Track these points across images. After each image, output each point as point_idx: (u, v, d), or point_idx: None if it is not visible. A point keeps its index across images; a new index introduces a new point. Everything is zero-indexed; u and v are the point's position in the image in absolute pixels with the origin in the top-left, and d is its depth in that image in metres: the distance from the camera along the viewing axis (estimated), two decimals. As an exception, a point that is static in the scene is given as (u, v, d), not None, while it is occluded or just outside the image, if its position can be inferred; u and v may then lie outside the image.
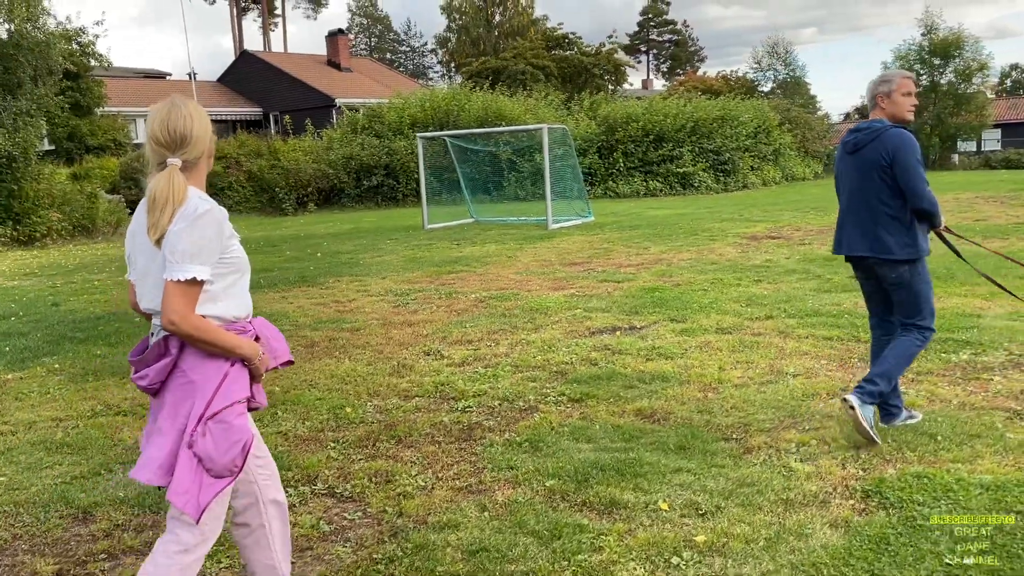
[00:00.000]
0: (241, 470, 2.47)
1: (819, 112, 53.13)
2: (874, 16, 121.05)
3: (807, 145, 38.01)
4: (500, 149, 27.84)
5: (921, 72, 39.30)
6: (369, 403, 5.39)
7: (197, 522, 2.42)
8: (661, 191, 29.54)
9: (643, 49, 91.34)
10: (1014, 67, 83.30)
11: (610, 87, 43.87)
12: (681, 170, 30.05)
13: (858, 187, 4.20)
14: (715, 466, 4.03)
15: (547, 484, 3.91)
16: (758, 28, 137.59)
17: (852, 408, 4.05)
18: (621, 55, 49.59)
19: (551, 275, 10.59)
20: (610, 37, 48.46)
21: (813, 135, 38.37)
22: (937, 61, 39.54)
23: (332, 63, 43.99)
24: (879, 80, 4.24)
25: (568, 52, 44.92)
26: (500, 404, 5.23)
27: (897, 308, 4.29)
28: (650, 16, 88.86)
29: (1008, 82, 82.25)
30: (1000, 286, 4.98)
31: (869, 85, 4.27)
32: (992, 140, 55.54)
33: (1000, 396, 4.87)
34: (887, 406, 4.38)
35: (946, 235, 4.42)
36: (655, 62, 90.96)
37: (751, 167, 33.09)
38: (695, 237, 13.99)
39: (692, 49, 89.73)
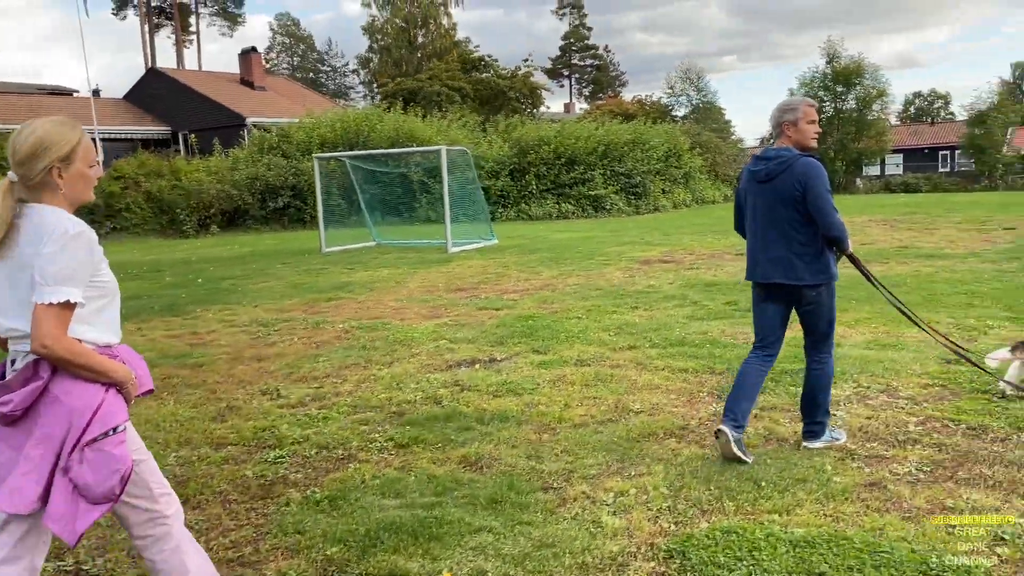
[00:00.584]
0: (119, 498, 2.41)
1: (733, 137, 54.64)
2: (790, 46, 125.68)
3: (717, 169, 38.80)
4: (411, 171, 27.46)
5: (825, 99, 40.69)
6: (174, 454, 4.87)
7: (73, 547, 2.50)
8: (573, 214, 29.58)
9: (565, 73, 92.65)
10: (917, 95, 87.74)
11: (528, 110, 43.95)
12: (593, 193, 30.18)
13: (771, 216, 4.25)
14: (521, 523, 3.68)
15: (328, 552, 3.49)
16: (681, 55, 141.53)
17: (812, 447, 4.43)
18: (539, 78, 49.88)
19: (432, 302, 10.20)
20: (526, 60, 48.76)
21: (723, 159, 39.20)
22: (840, 88, 41.00)
23: (245, 81, 42.85)
24: (783, 108, 4.28)
25: (484, 74, 44.90)
26: (316, 453, 4.79)
27: (809, 333, 4.43)
28: (572, 41, 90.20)
29: (912, 109, 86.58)
30: (910, 315, 4.78)
31: (773, 112, 4.30)
32: (894, 165, 58.16)
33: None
34: (812, 425, 4.52)
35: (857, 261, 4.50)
36: (577, 86, 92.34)
37: (662, 190, 33.52)
38: (590, 261, 13.83)
39: (614, 74, 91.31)
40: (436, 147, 18.63)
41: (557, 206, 29.66)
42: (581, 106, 75.45)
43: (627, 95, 63.97)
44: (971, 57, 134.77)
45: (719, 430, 4.26)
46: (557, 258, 14.59)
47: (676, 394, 5.67)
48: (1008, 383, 5.03)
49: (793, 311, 4.42)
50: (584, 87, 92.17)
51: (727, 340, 7.22)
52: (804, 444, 4.49)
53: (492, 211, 29.01)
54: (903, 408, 5.08)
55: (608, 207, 30.27)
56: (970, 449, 4.37)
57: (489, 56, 47.31)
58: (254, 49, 45.00)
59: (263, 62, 46.71)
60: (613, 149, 31.40)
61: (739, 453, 4.21)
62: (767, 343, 4.49)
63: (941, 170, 51.65)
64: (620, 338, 7.51)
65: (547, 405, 5.52)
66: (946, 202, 28.24)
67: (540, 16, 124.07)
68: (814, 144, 4.26)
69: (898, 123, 73.71)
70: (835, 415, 4.95)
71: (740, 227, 4.60)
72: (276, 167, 28.12)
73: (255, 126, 34.62)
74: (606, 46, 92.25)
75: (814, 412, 4.46)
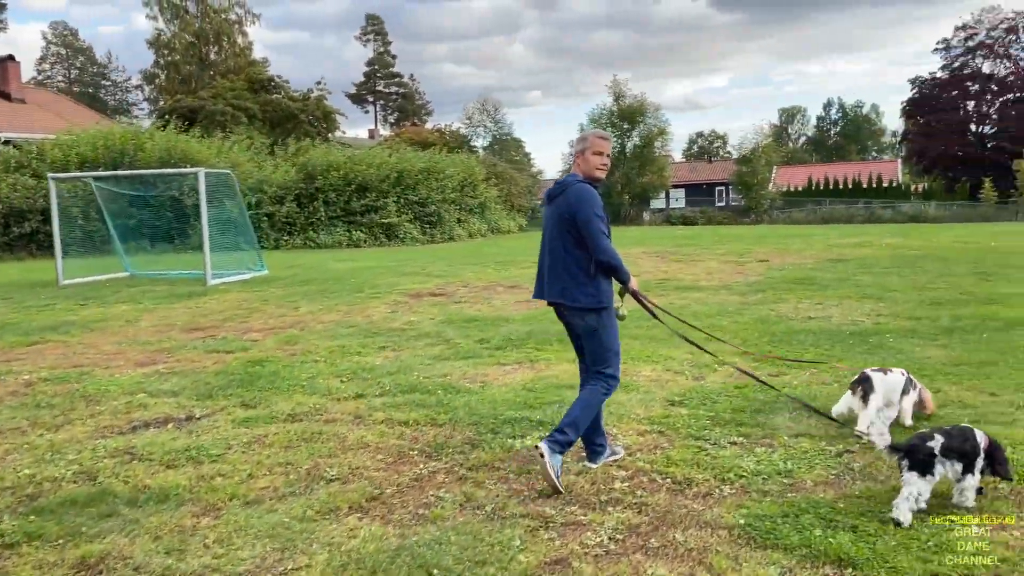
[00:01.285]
0: None
1: (532, 168, 56.15)
2: (592, 84, 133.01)
3: (512, 200, 39.49)
4: (185, 194, 25.31)
5: (615, 135, 42.75)
6: None
7: None
8: (365, 242, 28.68)
9: (370, 99, 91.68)
10: (699, 135, 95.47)
11: (321, 134, 42.55)
12: (385, 221, 29.46)
13: (552, 237, 4.48)
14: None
15: None
16: (490, 88, 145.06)
17: (542, 455, 4.22)
18: (337, 102, 48.73)
19: (156, 345, 8.94)
20: (319, 84, 47.41)
21: (518, 190, 39.97)
22: (626, 126, 43.31)
23: (2, 93, 38.16)
24: (578, 138, 4.59)
25: (275, 95, 42.99)
26: None
27: (587, 355, 4.57)
28: (376, 68, 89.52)
29: (695, 148, 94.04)
30: (699, 346, 5.37)
31: (574, 141, 4.70)
32: (676, 199, 62.53)
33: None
34: (593, 445, 4.64)
35: (641, 298, 4.74)
36: (383, 112, 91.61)
37: (457, 219, 33.47)
38: (357, 295, 13.03)
39: (420, 102, 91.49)
40: (193, 169, 16.98)
41: (348, 234, 28.62)
42: (385, 133, 74.79)
43: (433, 124, 64.26)
44: (747, 101, 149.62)
45: (538, 447, 4.31)
46: (325, 291, 13.66)
47: (384, 453, 5.02)
48: (863, 432, 4.71)
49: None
50: (389, 114, 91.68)
51: (464, 384, 6.71)
52: (586, 464, 4.63)
53: (276, 239, 27.50)
54: (614, 461, 4.74)
55: (402, 236, 29.67)
56: (670, 508, 4.05)
57: (280, 77, 45.42)
58: (11, 57, 40.27)
59: (21, 73, 41.81)
60: (407, 177, 30.90)
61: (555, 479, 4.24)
62: (582, 359, 4.71)
63: (718, 204, 56.19)
64: (350, 385, 6.78)
65: (227, 476, 4.66)
66: (717, 234, 30.28)
67: (348, 42, 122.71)
68: (599, 175, 4.47)
69: (683, 160, 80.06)
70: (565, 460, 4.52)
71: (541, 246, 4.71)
72: (23, 188, 24.93)
73: (6, 142, 30.66)
74: (411, 75, 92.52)
75: (565, 422, 4.38)
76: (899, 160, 62.51)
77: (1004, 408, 5.57)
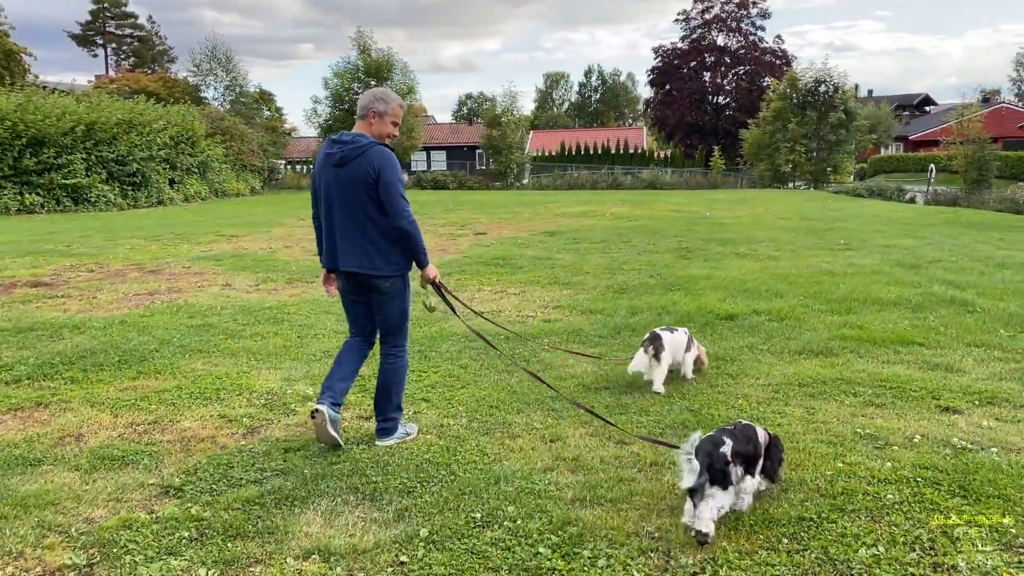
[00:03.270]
0: None
1: (285, 126, 51.71)
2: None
3: (244, 159, 35.62)
4: None
5: (357, 91, 39.94)
6: None
7: None
8: (43, 207, 23.95)
9: (99, 42, 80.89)
10: (468, 96, 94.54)
11: (6, 78, 35.71)
12: (71, 182, 24.81)
13: (346, 202, 4.19)
14: None
15: None
16: (257, 38, 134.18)
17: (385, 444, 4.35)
18: (56, 42, 41.28)
19: None
20: (-1, 18, 39.62)
21: (251, 148, 36.11)
22: (372, 82, 40.60)
23: None
24: (378, 96, 4.28)
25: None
26: None
27: (380, 323, 4.45)
28: (105, 6, 78.88)
29: (465, 109, 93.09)
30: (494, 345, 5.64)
31: (366, 96, 4.29)
32: (439, 161, 61.08)
33: None
34: (384, 422, 4.48)
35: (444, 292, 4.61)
36: (115, 57, 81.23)
37: (170, 181, 29.33)
38: (-81, 287, 9.68)
39: (160, 48, 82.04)
40: None
41: (19, 197, 23.71)
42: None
43: (175, 72, 57.00)
44: (519, 66, 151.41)
45: (316, 410, 4.21)
46: None
47: None
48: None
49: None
50: (123, 59, 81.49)
51: None
52: (377, 442, 4.42)
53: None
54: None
55: (94, 199, 25.21)
56: None
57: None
58: None
59: None
60: (101, 130, 26.28)
61: (334, 434, 4.24)
62: (364, 333, 4.52)
63: (479, 168, 55.36)
64: None
65: None
66: (455, 200, 28.88)
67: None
68: (388, 143, 4.26)
69: (453, 121, 78.75)
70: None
71: (315, 214, 4.42)
72: None
73: None
74: (150, 16, 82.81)
75: (386, 408, 4.43)
76: (644, 127, 65.40)
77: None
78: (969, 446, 4.22)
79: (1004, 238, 14.75)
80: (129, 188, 27.15)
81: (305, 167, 47.58)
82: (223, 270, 11.02)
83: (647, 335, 5.44)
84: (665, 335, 5.38)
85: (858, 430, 4.48)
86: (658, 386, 5.24)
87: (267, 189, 38.01)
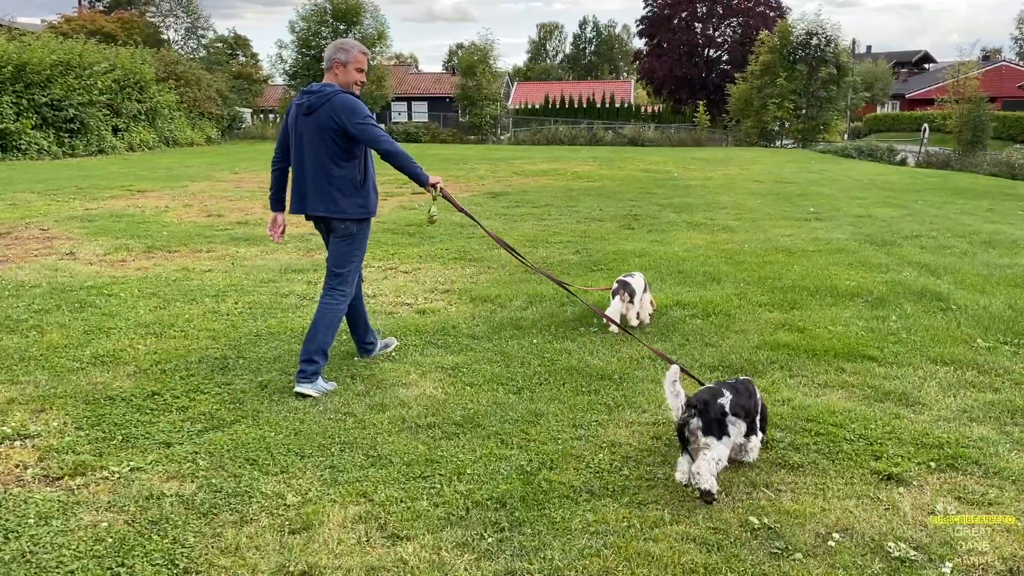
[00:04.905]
0: None
1: (261, 73, 49.47)
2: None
3: (200, 106, 33.62)
4: None
5: (325, 36, 37.73)
6: None
7: None
8: (-37, 154, 22.17)
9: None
10: (460, 46, 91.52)
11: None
12: (-1, 127, 22.97)
13: (314, 150, 4.30)
14: None
15: None
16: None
17: (310, 396, 4.24)
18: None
19: None
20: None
21: (208, 95, 34.09)
22: (341, 27, 38.38)
23: None
24: (339, 47, 4.38)
25: None
26: None
27: (332, 256, 4.53)
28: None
29: (455, 59, 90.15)
30: (517, 255, 5.09)
31: (328, 48, 4.41)
32: (420, 112, 58.76)
33: None
34: (364, 345, 4.88)
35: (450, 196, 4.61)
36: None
37: (113, 128, 27.44)
38: None
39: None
40: None
41: (-64, 143, 21.92)
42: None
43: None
44: (515, 16, 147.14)
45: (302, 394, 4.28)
46: None
47: None
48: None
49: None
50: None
51: None
52: (296, 390, 4.30)
53: None
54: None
55: (24, 147, 23.37)
56: None
57: None
58: None
59: None
60: (33, 72, 24.33)
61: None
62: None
63: (461, 120, 53.12)
64: None
65: None
66: (424, 154, 27.10)
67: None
68: (356, 91, 4.37)
69: (444, 71, 75.80)
70: None
71: (276, 159, 4.57)
72: None
73: None
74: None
75: (310, 347, 4.38)
76: (632, 80, 63.05)
77: None
78: (911, 556, 2.78)
79: (994, 208, 13.23)
80: (66, 135, 25.27)
81: (273, 117, 45.40)
82: (83, 234, 9.44)
83: (616, 284, 5.70)
84: (629, 280, 5.72)
85: (752, 519, 3.02)
86: (634, 320, 5.68)
87: (227, 139, 36.05)
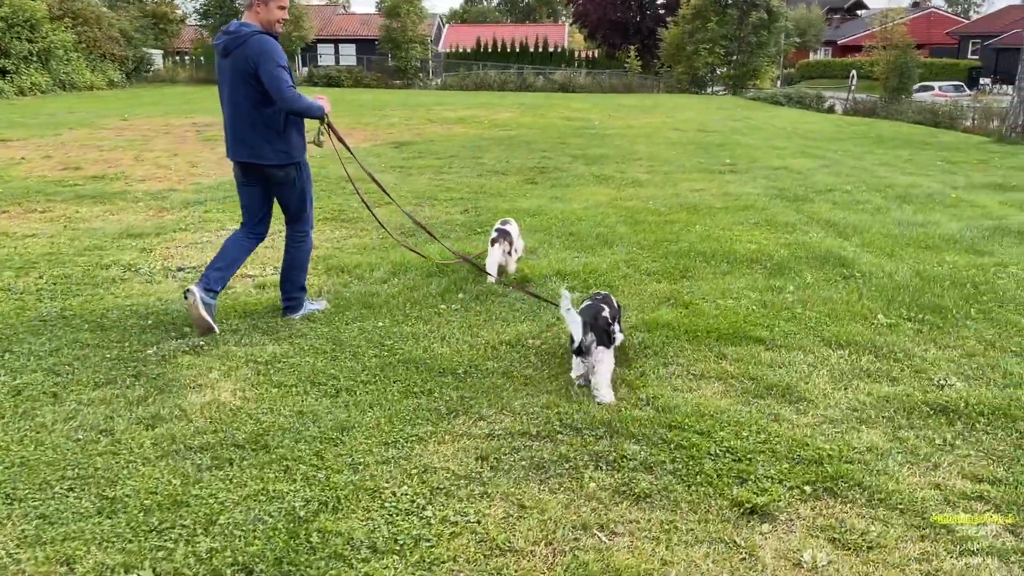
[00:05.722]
0: None
1: (177, 13, 46.43)
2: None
3: (101, 47, 31.24)
4: None
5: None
6: None
7: None
8: None
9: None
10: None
11: None
12: None
13: (233, 93, 4.17)
14: None
15: None
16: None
17: (297, 315, 4.55)
18: None
19: None
20: None
21: (110, 35, 31.67)
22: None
23: None
24: None
25: None
26: None
27: (285, 209, 4.49)
28: None
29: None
30: (383, 188, 5.54)
31: None
32: (348, 55, 56.32)
33: None
34: (288, 300, 4.63)
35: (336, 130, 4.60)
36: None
37: (0, 70, 25.24)
38: None
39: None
40: None
41: None
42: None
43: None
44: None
45: (188, 290, 4.22)
46: None
47: None
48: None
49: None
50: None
51: None
52: (285, 316, 4.57)
53: None
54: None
55: None
56: None
57: None
58: None
59: None
60: None
61: (206, 317, 4.21)
62: (253, 222, 4.48)
63: (391, 63, 51.02)
64: None
65: None
66: (342, 99, 25.67)
67: None
68: (279, 29, 4.24)
69: (377, 13, 72.70)
70: None
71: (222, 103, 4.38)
72: None
73: None
74: None
75: (289, 289, 4.59)
76: (567, 25, 61.59)
77: None
78: (760, 637, 2.14)
79: (913, 158, 12.86)
80: (-57, 79, 23.14)
81: (189, 60, 42.75)
82: (-97, 193, 8.23)
83: (494, 231, 5.45)
84: (506, 228, 5.48)
85: (565, 583, 2.34)
86: (512, 267, 5.49)
87: (133, 82, 33.73)
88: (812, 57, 60.48)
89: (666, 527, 2.63)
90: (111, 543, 2.50)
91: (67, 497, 2.75)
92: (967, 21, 61.57)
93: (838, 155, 12.87)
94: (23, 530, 2.57)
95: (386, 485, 2.86)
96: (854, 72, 32.31)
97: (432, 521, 2.65)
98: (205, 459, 3.02)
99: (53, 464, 2.96)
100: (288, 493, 2.79)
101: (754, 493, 2.80)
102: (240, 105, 4.14)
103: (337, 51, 55.94)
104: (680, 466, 2.99)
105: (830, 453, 3.09)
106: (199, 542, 2.51)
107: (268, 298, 5.02)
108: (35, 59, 27.28)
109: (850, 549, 2.53)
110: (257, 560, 2.42)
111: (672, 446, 3.14)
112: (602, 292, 4.06)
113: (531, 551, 2.49)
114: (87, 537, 2.52)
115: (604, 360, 3.53)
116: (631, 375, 3.83)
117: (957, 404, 3.51)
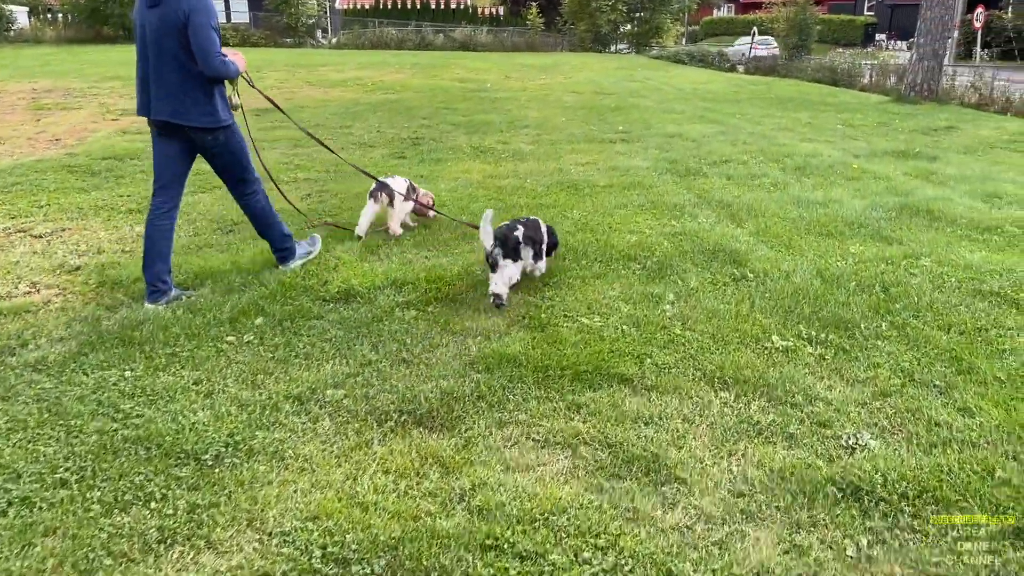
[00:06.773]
0: None
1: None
2: None
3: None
4: None
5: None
6: None
7: None
8: None
9: None
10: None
11: None
12: None
13: (159, 46, 3.89)
14: None
15: None
16: None
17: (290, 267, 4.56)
18: None
19: None
20: None
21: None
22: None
23: None
24: None
25: None
26: None
27: (223, 172, 4.36)
28: None
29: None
30: (319, 140, 5.44)
31: None
32: (241, 12, 52.84)
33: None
34: (280, 251, 4.67)
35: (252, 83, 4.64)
36: None
37: None
38: None
39: None
40: None
41: None
42: None
43: None
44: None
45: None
46: None
47: None
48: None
49: (198, 154, 4.25)
50: None
51: None
52: (281, 267, 4.64)
53: None
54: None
55: None
56: None
57: None
58: None
59: None
60: None
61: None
62: (163, 184, 4.21)
63: (276, 21, 48.06)
64: None
65: None
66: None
67: None
68: None
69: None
70: None
71: (137, 61, 4.03)
72: None
73: None
74: None
75: (273, 239, 4.59)
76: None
77: None
78: None
79: (813, 121, 12.25)
80: None
81: (60, 17, 39.02)
82: None
83: (374, 185, 5.31)
84: (390, 181, 5.32)
85: None
86: (396, 228, 5.34)
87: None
88: (716, 14, 60.39)
89: None
90: None
91: None
92: (863, -22, 62.47)
93: (736, 119, 12.15)
94: None
95: None
96: (755, 29, 32.00)
97: None
98: None
99: None
100: None
101: None
102: (168, 59, 3.86)
103: (228, 7, 52.45)
104: (482, 629, 2.01)
105: (703, 583, 2.17)
106: None
107: (2, 330, 3.77)
108: None
109: None
110: None
111: (477, 587, 2.15)
112: (533, 217, 4.48)
113: None
114: None
115: (506, 267, 4.06)
116: (449, 448, 2.82)
117: (872, 480, 2.64)
